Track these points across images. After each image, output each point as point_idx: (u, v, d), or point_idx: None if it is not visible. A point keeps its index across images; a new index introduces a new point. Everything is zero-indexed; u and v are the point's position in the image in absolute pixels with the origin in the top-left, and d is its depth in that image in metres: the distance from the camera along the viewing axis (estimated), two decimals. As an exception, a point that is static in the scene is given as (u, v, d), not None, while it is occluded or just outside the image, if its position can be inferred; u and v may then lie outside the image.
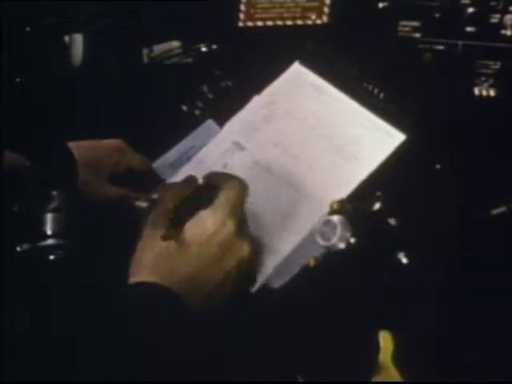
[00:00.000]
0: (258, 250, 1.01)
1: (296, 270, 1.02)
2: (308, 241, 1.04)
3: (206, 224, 0.94)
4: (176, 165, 1.19)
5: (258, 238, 1.02)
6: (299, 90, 1.18)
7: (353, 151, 1.09)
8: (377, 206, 1.05)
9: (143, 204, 0.95)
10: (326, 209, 1.04)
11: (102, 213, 1.08)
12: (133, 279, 0.92)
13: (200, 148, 1.18)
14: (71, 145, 1.08)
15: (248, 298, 1.01)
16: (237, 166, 1.12)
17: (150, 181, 1.17)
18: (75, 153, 1.07)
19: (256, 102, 1.20)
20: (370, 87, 1.14)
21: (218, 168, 1.12)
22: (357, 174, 1.07)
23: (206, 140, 1.19)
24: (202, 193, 0.99)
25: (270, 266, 1.02)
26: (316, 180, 1.08)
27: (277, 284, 1.02)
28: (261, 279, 1.02)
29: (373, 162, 1.07)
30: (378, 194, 1.06)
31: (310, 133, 1.13)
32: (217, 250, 0.94)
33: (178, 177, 1.13)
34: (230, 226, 0.95)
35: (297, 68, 1.21)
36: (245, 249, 0.97)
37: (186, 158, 1.19)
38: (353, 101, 1.14)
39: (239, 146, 1.15)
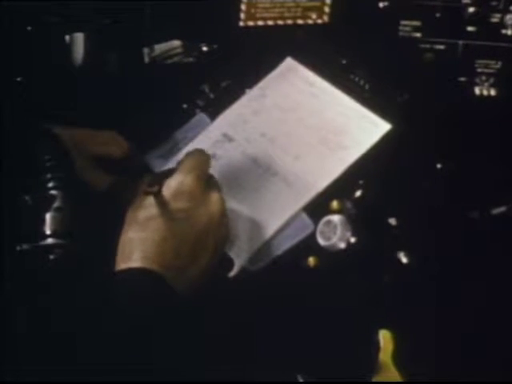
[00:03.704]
0: (239, 235, 1.05)
1: (275, 254, 1.05)
2: (289, 226, 1.06)
3: (170, 184, 0.99)
4: (167, 156, 1.22)
5: (242, 223, 1.06)
6: (289, 83, 1.21)
7: (339, 141, 1.11)
8: (357, 193, 1.05)
9: (154, 189, 0.97)
10: (309, 196, 1.07)
11: (94, 203, 1.09)
12: (123, 265, 0.94)
13: (191, 140, 1.21)
14: (66, 130, 1.09)
15: (227, 281, 1.03)
16: (225, 156, 1.15)
17: (141, 172, 1.19)
18: (69, 137, 1.08)
19: (247, 95, 1.23)
20: (357, 78, 1.16)
21: None
22: (341, 163, 1.09)
23: (197, 133, 1.22)
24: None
25: (249, 249, 1.05)
26: (301, 169, 1.10)
27: (255, 267, 1.05)
28: (240, 262, 1.04)
29: (358, 150, 1.09)
30: (361, 182, 1.06)
31: (297, 124, 1.16)
32: (184, 205, 0.98)
33: (167, 167, 1.16)
34: (188, 182, 1.00)
35: (288, 63, 1.23)
36: (214, 203, 1.01)
37: (176, 150, 1.22)
38: (340, 92, 1.16)
39: (228, 138, 1.18)
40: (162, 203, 0.97)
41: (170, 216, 0.96)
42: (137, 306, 0.88)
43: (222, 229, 1.01)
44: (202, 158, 1.04)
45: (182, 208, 0.98)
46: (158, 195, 0.97)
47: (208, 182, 1.03)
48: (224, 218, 1.02)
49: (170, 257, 0.94)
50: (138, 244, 0.95)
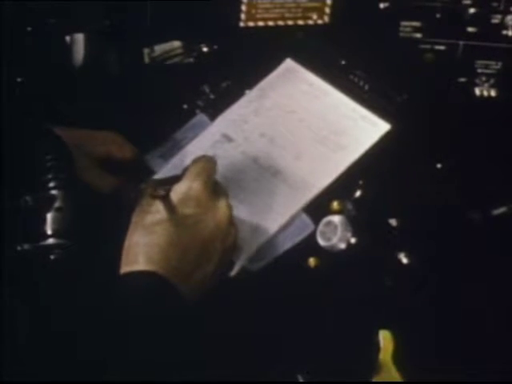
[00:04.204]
0: (240, 235, 1.05)
1: (275, 254, 1.05)
2: (290, 226, 1.06)
3: (177, 190, 0.99)
4: (166, 156, 1.23)
5: (242, 223, 1.05)
6: (289, 84, 1.21)
7: (338, 141, 1.11)
8: (358, 193, 1.06)
9: (162, 192, 0.97)
10: (310, 197, 1.07)
11: (95, 203, 1.09)
12: (127, 268, 0.94)
13: (191, 140, 1.22)
14: (66, 131, 1.09)
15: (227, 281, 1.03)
16: (225, 156, 1.15)
17: (141, 172, 1.20)
18: (69, 138, 1.08)
19: (247, 96, 1.23)
20: (357, 79, 1.16)
21: None
22: (341, 163, 1.09)
23: (196, 133, 1.22)
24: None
25: (250, 249, 1.05)
26: (301, 169, 1.11)
27: (255, 267, 1.05)
28: (240, 262, 1.04)
29: (357, 150, 1.10)
30: (361, 182, 1.06)
31: (297, 124, 1.16)
32: (191, 211, 0.98)
33: (167, 167, 1.19)
34: (196, 188, 1.00)
35: (288, 64, 1.24)
36: (221, 210, 1.01)
37: (176, 150, 1.22)
38: (340, 92, 1.17)
39: (228, 138, 1.18)
40: (169, 208, 0.97)
41: (176, 221, 0.96)
42: (140, 305, 0.88)
43: (228, 237, 1.01)
44: (208, 164, 1.04)
45: (189, 214, 0.98)
46: (165, 200, 0.97)
47: (215, 189, 1.03)
48: (231, 227, 1.02)
49: (175, 262, 0.94)
50: (143, 248, 0.95)
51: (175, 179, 1.02)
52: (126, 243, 0.96)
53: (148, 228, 0.96)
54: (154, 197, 0.97)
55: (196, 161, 1.04)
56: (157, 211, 0.97)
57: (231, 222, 1.02)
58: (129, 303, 0.88)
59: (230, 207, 1.02)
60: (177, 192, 0.99)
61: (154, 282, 0.92)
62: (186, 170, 1.03)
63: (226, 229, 1.01)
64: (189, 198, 0.99)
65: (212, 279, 0.98)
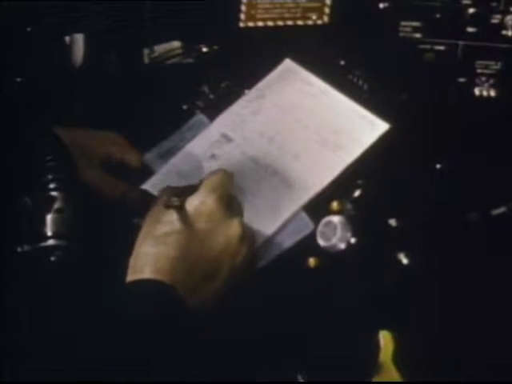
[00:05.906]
0: None
1: (274, 253, 1.05)
2: (289, 225, 1.06)
3: (191, 202, 0.99)
4: (166, 156, 1.22)
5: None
6: (288, 84, 1.21)
7: (337, 140, 1.11)
8: (357, 193, 1.06)
9: (176, 203, 0.97)
10: (309, 196, 1.07)
11: (95, 204, 1.09)
12: (134, 276, 0.94)
13: (190, 140, 1.21)
14: (66, 131, 1.09)
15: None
16: (224, 156, 1.15)
17: (140, 173, 1.20)
18: (69, 138, 1.08)
19: (246, 96, 1.23)
20: (356, 79, 1.16)
21: (206, 159, 1.15)
22: (340, 163, 1.09)
23: (196, 133, 1.22)
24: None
25: None
26: (300, 169, 1.10)
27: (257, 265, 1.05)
28: None
29: (356, 150, 1.09)
30: (360, 182, 1.06)
31: (295, 124, 1.16)
32: (203, 226, 0.98)
33: (167, 168, 1.19)
34: (210, 203, 0.99)
35: (287, 64, 1.24)
36: (233, 228, 1.00)
37: (175, 150, 1.22)
38: (339, 92, 1.17)
39: (227, 138, 1.18)
40: (182, 220, 0.96)
41: (188, 234, 0.96)
42: (144, 311, 0.88)
43: (238, 256, 1.00)
44: (225, 178, 1.04)
45: (201, 228, 0.98)
46: (179, 210, 0.97)
47: (229, 205, 1.02)
48: (242, 246, 1.01)
49: (181, 275, 0.94)
50: (151, 258, 0.95)
51: (190, 189, 1.01)
52: (135, 252, 0.96)
53: (159, 238, 0.96)
54: (169, 207, 0.97)
55: (212, 174, 1.04)
56: (169, 221, 0.97)
57: (242, 240, 1.01)
58: (132, 308, 0.88)
59: (242, 225, 1.01)
60: (190, 205, 0.99)
61: (160, 289, 0.92)
62: (202, 181, 1.03)
63: (236, 247, 1.00)
64: (201, 213, 0.98)
65: (218, 295, 0.98)
